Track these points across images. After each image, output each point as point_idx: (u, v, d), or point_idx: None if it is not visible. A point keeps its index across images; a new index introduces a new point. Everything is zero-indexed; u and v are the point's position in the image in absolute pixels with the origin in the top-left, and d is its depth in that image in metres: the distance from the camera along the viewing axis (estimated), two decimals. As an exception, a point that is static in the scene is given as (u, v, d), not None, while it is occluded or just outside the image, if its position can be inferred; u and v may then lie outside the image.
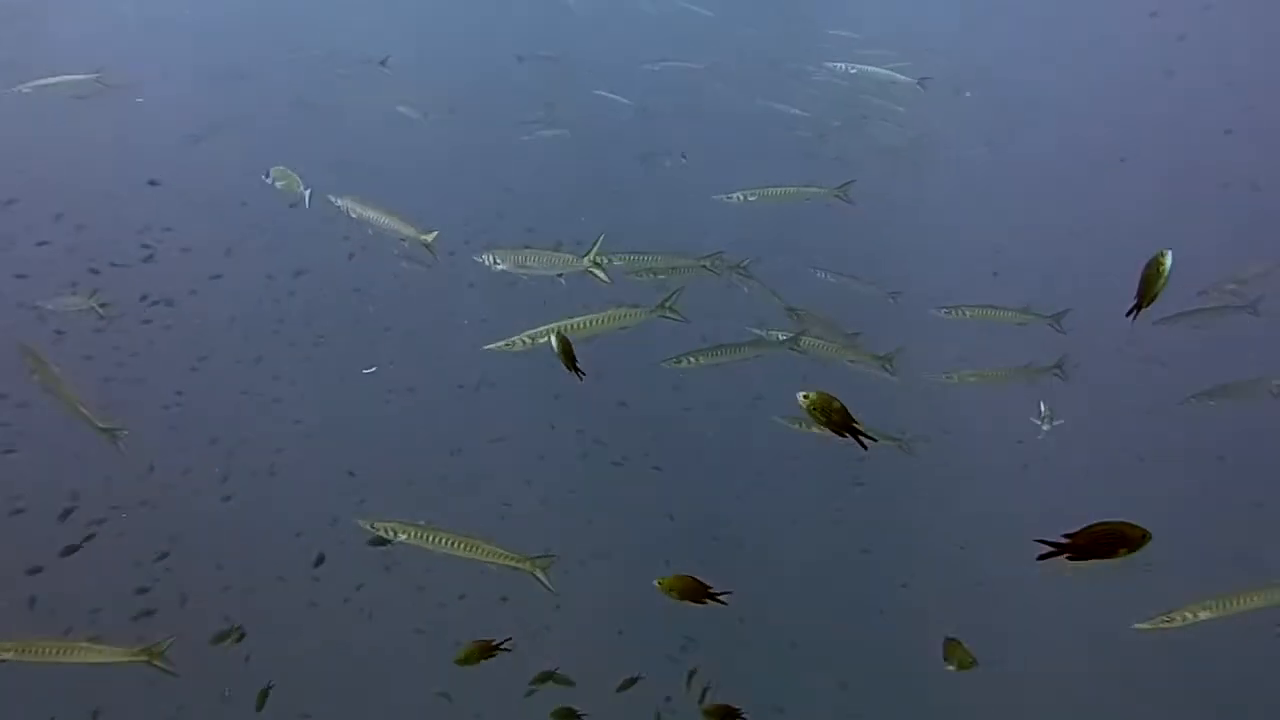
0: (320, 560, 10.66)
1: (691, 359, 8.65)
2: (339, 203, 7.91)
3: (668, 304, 7.03)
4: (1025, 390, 9.74)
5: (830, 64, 14.09)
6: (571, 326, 6.61)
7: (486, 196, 16.70)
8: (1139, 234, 18.25)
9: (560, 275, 7.71)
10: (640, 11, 22.77)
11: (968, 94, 19.70)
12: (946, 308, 9.70)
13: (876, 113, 18.11)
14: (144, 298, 12.93)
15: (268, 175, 8.73)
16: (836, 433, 4.64)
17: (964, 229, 18.33)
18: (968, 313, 9.74)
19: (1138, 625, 6.08)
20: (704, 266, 8.79)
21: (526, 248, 7.37)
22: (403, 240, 7.94)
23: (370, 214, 7.89)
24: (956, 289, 12.03)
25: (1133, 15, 21.42)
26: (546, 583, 6.47)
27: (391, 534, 6.47)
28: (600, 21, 22.08)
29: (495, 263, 7.30)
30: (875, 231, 16.56)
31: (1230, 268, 11.29)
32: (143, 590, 10.84)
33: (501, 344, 6.63)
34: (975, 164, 18.84)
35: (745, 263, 9.54)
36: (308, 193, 8.74)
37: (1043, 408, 9.06)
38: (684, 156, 17.49)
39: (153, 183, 13.98)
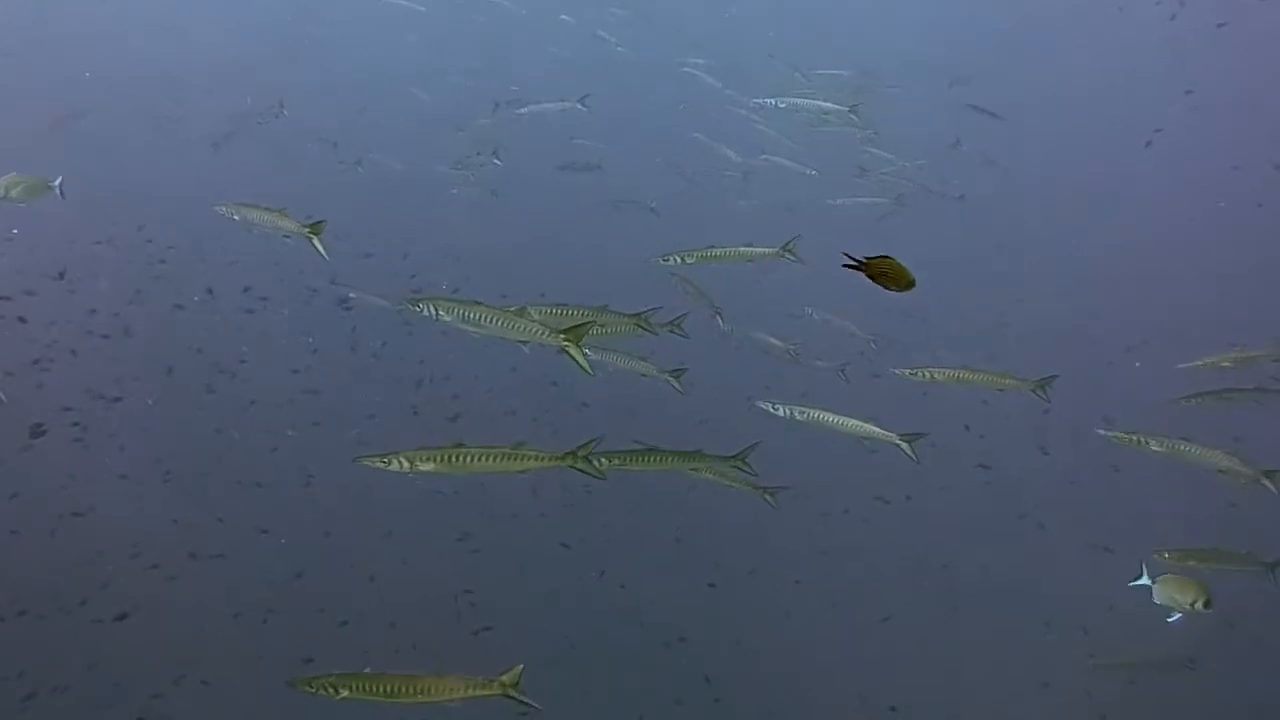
0: None
1: (619, 461, 7.33)
2: (221, 209, 7.92)
3: (581, 453, 6.11)
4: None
5: (759, 100, 13.91)
6: (461, 457, 5.94)
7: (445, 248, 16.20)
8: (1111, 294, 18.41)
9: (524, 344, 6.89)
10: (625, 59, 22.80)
11: (962, 146, 19.25)
12: (911, 369, 8.61)
13: (875, 164, 17.65)
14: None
15: None
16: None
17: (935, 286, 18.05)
18: (937, 375, 8.64)
19: None
20: (638, 324, 7.94)
21: (478, 303, 6.41)
22: (286, 237, 7.87)
23: (253, 215, 7.83)
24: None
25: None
26: (525, 699, 5.82)
27: (332, 690, 5.89)
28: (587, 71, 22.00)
29: (436, 314, 6.35)
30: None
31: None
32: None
33: (377, 461, 5.92)
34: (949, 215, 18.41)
35: (680, 319, 8.73)
36: (58, 182, 8.71)
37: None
38: (653, 208, 16.84)
39: None
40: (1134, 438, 8.06)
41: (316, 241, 7.67)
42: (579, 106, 16.98)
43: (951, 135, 19.64)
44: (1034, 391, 9.02)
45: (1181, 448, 7.99)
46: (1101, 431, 8.33)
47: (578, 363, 6.50)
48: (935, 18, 26.83)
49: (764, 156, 18.74)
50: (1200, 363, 10.02)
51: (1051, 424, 13.07)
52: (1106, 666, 12.44)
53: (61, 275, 13.46)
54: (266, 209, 7.76)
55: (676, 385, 8.80)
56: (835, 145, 17.16)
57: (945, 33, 25.60)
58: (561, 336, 6.40)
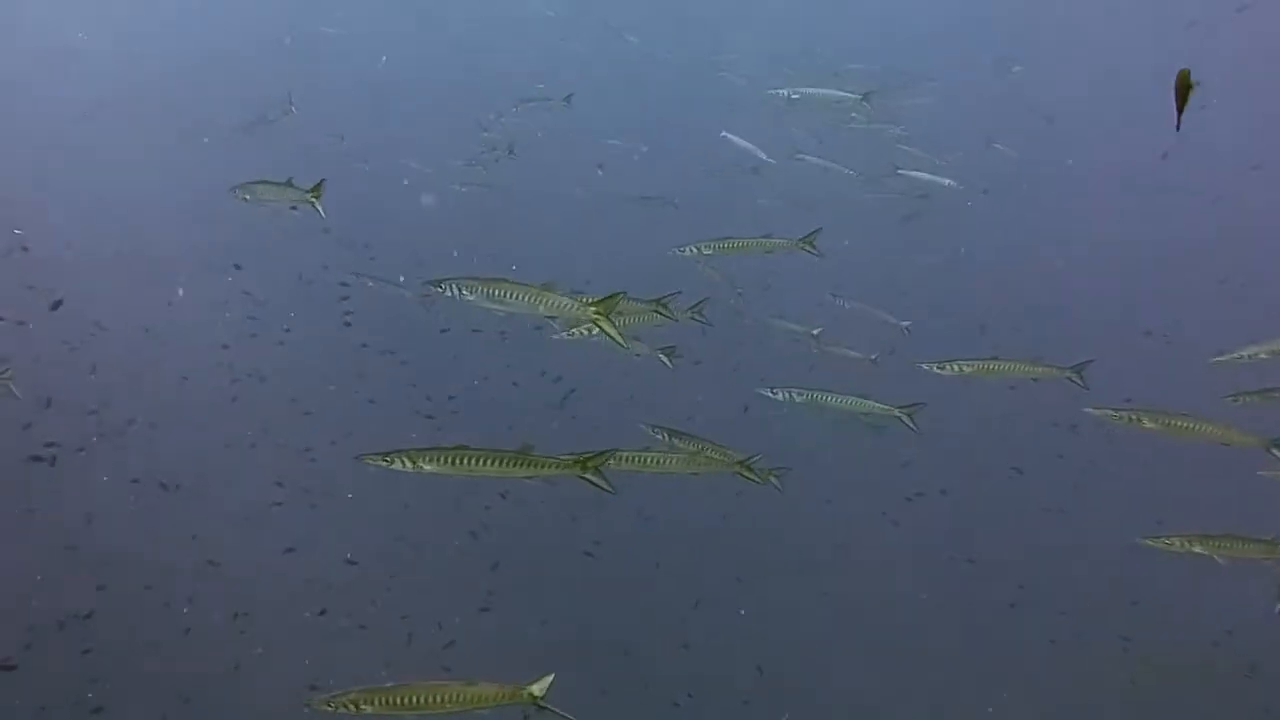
0: None
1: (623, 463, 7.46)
2: (235, 191, 8.69)
3: (591, 463, 6.04)
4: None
5: (772, 91, 14.07)
6: (464, 459, 5.89)
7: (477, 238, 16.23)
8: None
9: (554, 320, 6.95)
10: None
11: (998, 146, 19.25)
12: (939, 363, 8.51)
13: (913, 164, 17.54)
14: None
15: None
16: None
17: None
18: (966, 368, 8.55)
19: None
20: (657, 311, 7.83)
21: (503, 280, 6.37)
22: (293, 208, 8.61)
23: (260, 191, 8.60)
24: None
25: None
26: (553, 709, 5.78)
27: (354, 708, 5.78)
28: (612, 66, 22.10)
29: (461, 293, 6.34)
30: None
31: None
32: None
33: (380, 459, 5.89)
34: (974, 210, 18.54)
35: (701, 305, 8.67)
36: None
37: None
38: (675, 204, 16.81)
39: None
40: (1126, 415, 7.86)
41: (318, 204, 8.40)
42: (564, 104, 17.22)
43: (983, 131, 19.48)
44: (1070, 378, 8.82)
45: (1177, 423, 7.80)
46: (1090, 410, 8.10)
47: (610, 335, 6.40)
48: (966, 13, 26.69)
49: (799, 155, 18.63)
50: (1235, 355, 9.70)
51: (1081, 416, 12.91)
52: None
53: (60, 296, 13.42)
54: (272, 183, 8.56)
55: (667, 362, 8.84)
56: (866, 143, 17.03)
57: (974, 28, 25.46)
58: (592, 309, 6.30)
